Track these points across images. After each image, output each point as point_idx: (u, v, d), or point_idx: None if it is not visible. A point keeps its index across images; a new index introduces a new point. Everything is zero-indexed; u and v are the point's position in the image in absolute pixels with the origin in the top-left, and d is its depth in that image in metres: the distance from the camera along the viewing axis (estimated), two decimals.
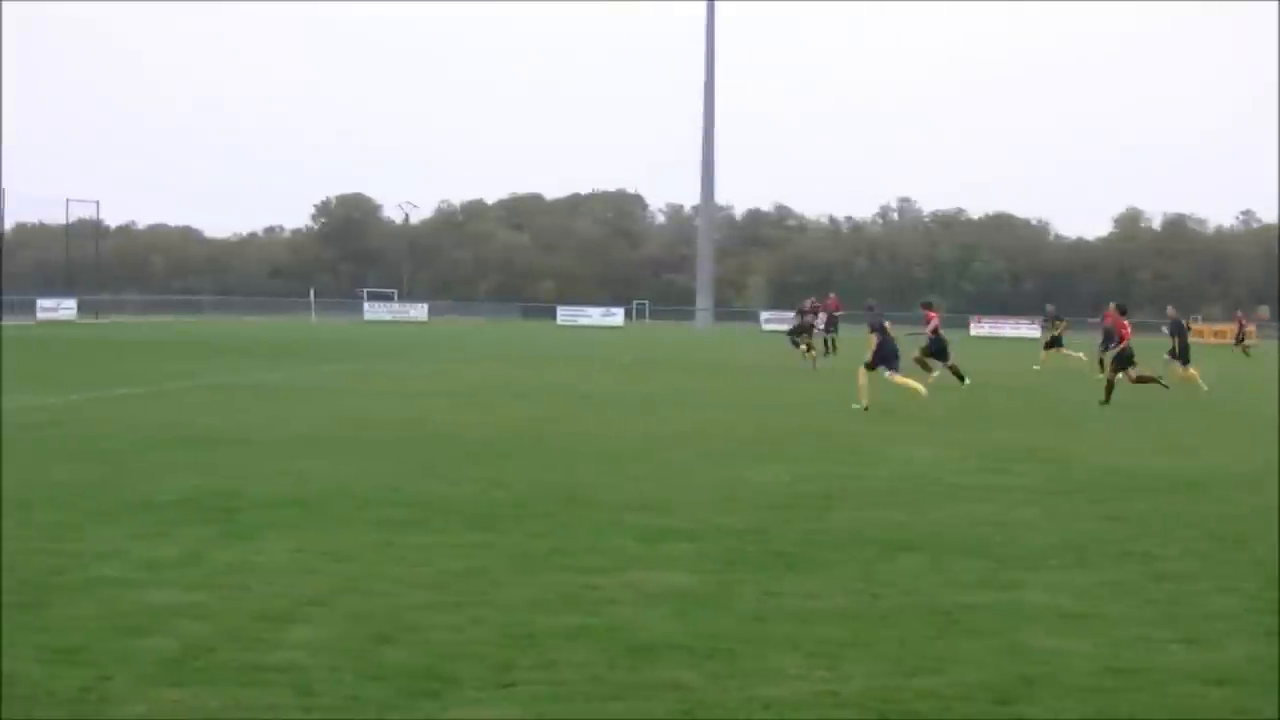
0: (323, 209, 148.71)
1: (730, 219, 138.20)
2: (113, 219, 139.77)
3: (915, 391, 24.27)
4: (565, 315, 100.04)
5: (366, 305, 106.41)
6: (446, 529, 10.55)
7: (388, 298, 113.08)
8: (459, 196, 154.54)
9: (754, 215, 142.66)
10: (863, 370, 24.46)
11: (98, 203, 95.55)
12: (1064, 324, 42.90)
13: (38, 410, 20.12)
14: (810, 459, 16.14)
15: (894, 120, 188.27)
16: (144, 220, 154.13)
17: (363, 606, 7.91)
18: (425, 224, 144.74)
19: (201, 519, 10.74)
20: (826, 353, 44.28)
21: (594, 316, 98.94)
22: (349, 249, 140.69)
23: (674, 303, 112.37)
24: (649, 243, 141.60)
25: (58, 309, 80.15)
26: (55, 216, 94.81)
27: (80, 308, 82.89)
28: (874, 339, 24.51)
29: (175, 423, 18.59)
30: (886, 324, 24.77)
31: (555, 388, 28.25)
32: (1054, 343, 42.22)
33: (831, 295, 51.36)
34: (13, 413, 19.50)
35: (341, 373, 32.30)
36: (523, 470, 14.31)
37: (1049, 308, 45.37)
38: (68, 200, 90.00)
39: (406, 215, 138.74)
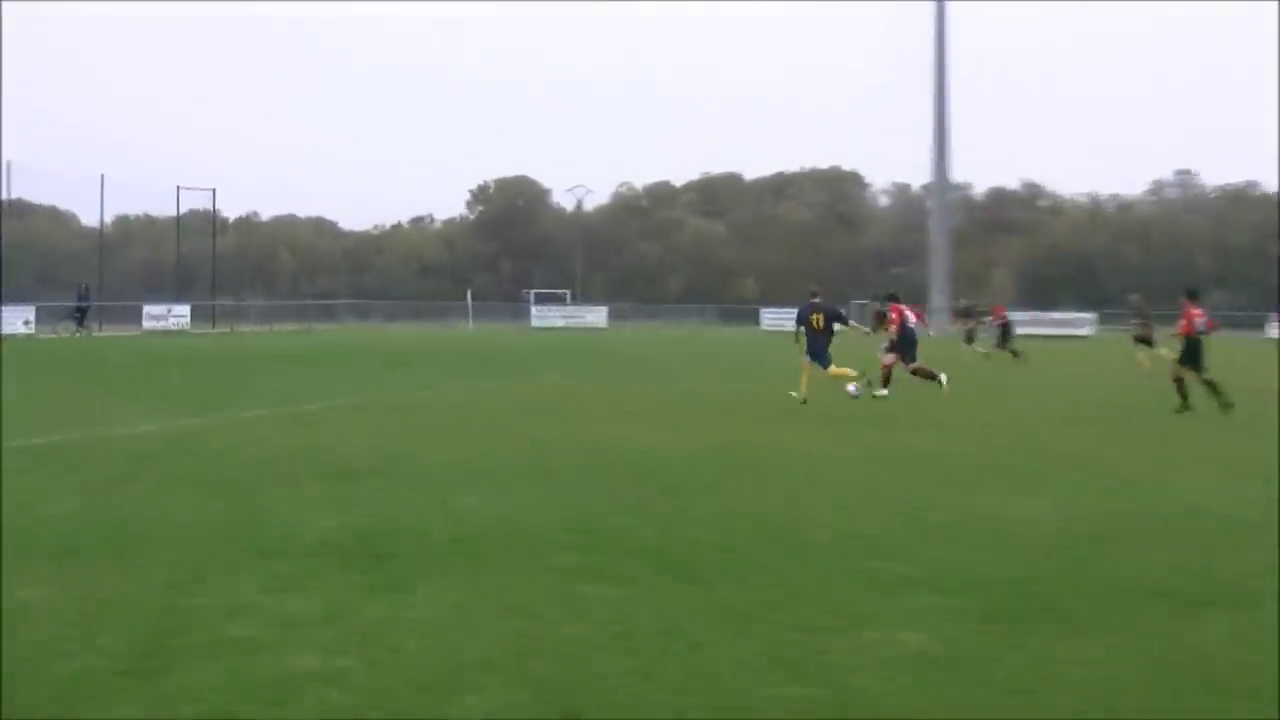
0: (480, 195, 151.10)
1: (968, 199, 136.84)
2: (231, 210, 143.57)
3: (846, 377, 28.85)
4: (770, 318, 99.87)
5: (534, 309, 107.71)
6: (638, 576, 10.49)
7: (558, 300, 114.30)
8: (641, 179, 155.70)
9: (998, 194, 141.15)
10: (804, 363, 28.41)
11: (214, 191, 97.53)
12: (1147, 320, 42.19)
13: (152, 438, 20.61)
14: (1074, 490, 15.80)
15: (1168, 76, 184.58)
16: (268, 211, 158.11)
17: (541, 671, 7.86)
18: (601, 211, 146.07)
19: (345, 566, 10.83)
20: (1016, 356, 44.74)
21: None
22: (512, 242, 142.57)
23: (902, 301, 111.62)
24: (870, 230, 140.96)
25: (168, 316, 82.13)
26: (164, 208, 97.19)
27: (194, 314, 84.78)
28: (800, 331, 28.74)
29: (312, 450, 18.88)
30: (814, 316, 28.65)
31: (764, 403, 28.11)
32: (1143, 340, 41.44)
33: (996, 304, 51.72)
34: (123, 440, 20.02)
35: (506, 389, 32.55)
36: (728, 504, 14.22)
37: (1133, 297, 44.23)
38: (179, 188, 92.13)
39: (580, 201, 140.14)
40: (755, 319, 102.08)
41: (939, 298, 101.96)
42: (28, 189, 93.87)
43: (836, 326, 29.04)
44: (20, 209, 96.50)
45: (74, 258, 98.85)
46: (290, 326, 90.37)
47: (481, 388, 32.96)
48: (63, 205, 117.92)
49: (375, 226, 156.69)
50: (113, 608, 9.35)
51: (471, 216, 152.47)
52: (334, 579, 10.33)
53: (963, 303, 61.69)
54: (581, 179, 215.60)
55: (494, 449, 19.29)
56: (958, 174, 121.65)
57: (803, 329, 28.81)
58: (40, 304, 73.98)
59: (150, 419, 23.44)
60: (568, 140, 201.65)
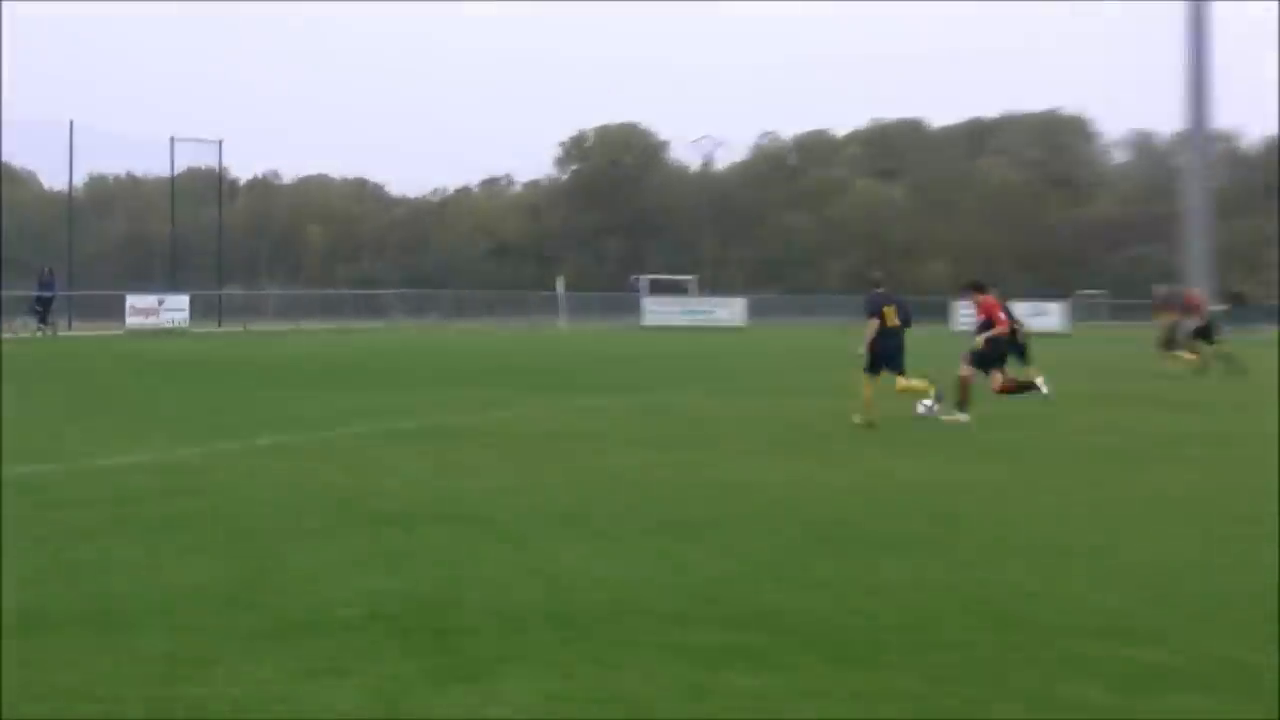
0: (575, 150, 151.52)
1: (1235, 153, 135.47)
2: (243, 169, 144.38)
3: (919, 394, 30.92)
4: (968, 315, 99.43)
5: (646, 301, 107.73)
6: (793, 661, 10.46)
7: (679, 289, 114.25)
8: (791, 126, 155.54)
9: (1276, 146, 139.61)
10: (864, 377, 30.21)
11: (220, 143, 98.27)
12: None
13: (142, 472, 20.82)
14: None
15: None
16: (291, 170, 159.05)
17: None
18: (737, 171, 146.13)
19: (401, 644, 10.85)
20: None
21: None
22: (617, 212, 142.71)
23: (1144, 293, 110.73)
24: (1101, 196, 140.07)
25: (159, 310, 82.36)
26: (154, 166, 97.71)
27: (194, 308, 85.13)
28: (873, 326, 30.11)
29: (354, 489, 19.02)
30: (888, 309, 30.25)
31: (952, 430, 27.97)
32: None
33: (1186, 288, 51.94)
34: (105, 475, 20.20)
35: (612, 410, 32.63)
36: (911, 567, 14.16)
37: None
38: (173, 140, 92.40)
39: (709, 157, 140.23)
40: (943, 314, 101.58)
41: (1195, 286, 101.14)
42: None
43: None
44: None
45: (34, 231, 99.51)
46: (321, 324, 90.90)
47: (578, 407, 33.07)
48: (19, 161, 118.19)
49: (435, 191, 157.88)
50: (90, 698, 9.39)
51: (563, 178, 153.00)
52: (386, 661, 10.35)
53: (1163, 290, 61.34)
54: (710, 127, 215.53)
55: (597, 490, 19.33)
56: (1221, 118, 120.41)
57: (876, 322, 30.05)
58: None
59: (140, 448, 23.72)
60: (691, 76, 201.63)
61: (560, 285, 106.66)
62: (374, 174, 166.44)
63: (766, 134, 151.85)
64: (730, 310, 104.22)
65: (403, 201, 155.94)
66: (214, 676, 9.96)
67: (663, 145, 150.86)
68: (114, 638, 10.98)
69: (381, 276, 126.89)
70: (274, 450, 23.73)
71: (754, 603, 12.41)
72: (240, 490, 18.85)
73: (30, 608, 11.85)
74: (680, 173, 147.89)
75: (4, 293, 75.94)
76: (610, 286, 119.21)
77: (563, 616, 11.76)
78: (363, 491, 18.80)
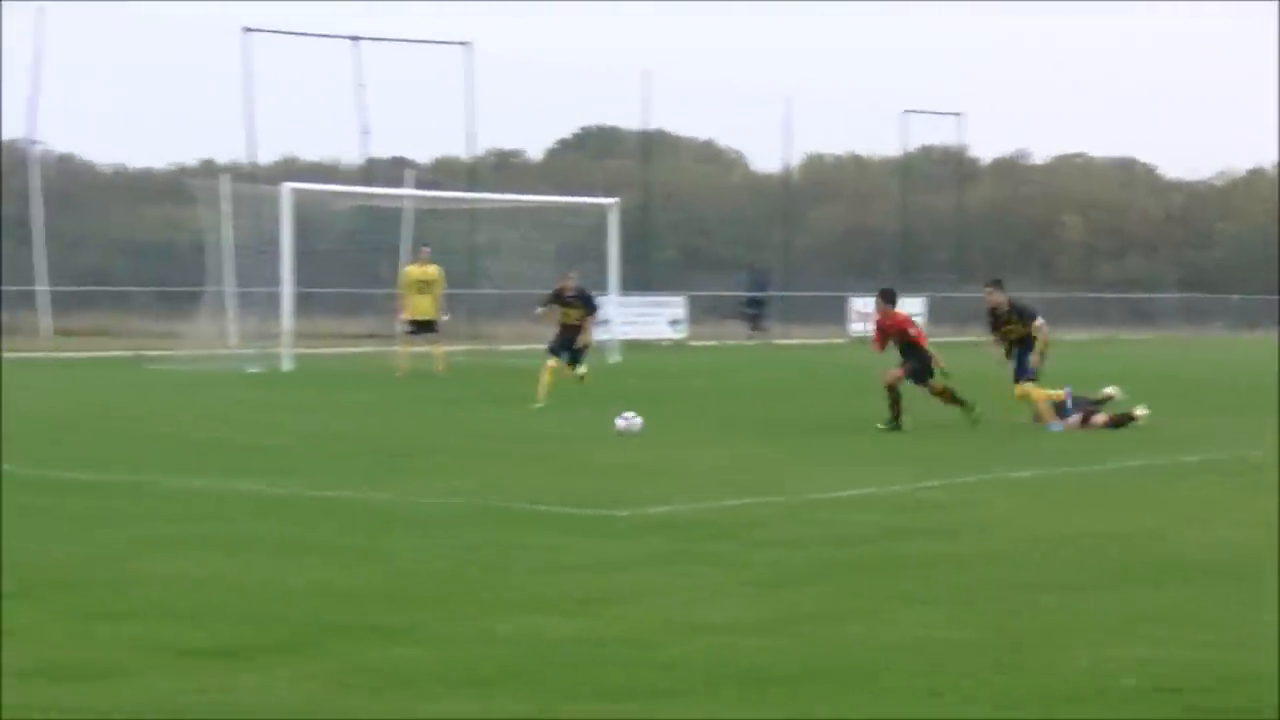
0: None
1: None
2: (985, 146, 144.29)
3: None
4: None
5: None
6: None
7: None
8: None
9: None
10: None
11: (959, 116, 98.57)
12: None
13: (872, 507, 21.49)
14: None
15: None
16: (1044, 149, 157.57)
17: None
18: None
19: None
20: None
21: None
22: None
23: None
24: None
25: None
26: (883, 144, 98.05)
27: (931, 313, 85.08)
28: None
29: (1126, 535, 19.08)
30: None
31: None
32: None
33: None
34: (827, 509, 20.92)
35: None
36: None
37: None
38: (905, 113, 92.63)
39: None
40: None
41: None
42: None
43: None
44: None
45: (742, 221, 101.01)
46: (1079, 334, 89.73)
47: None
48: (725, 142, 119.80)
49: (1219, 175, 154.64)
50: None
51: None
52: None
53: None
54: None
55: None
56: None
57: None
58: (693, 293, 75.99)
59: (865, 479, 24.41)
60: None
61: None
62: (1143, 153, 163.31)
63: None
64: None
65: (1179, 186, 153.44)
66: None
67: None
68: (856, 696, 11.44)
69: (1154, 277, 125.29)
70: (1033, 485, 24.16)
71: None
72: (990, 532, 19.27)
73: (757, 662, 12.32)
74: None
75: (706, 293, 77.85)
76: None
77: None
78: (1134, 536, 19.02)
